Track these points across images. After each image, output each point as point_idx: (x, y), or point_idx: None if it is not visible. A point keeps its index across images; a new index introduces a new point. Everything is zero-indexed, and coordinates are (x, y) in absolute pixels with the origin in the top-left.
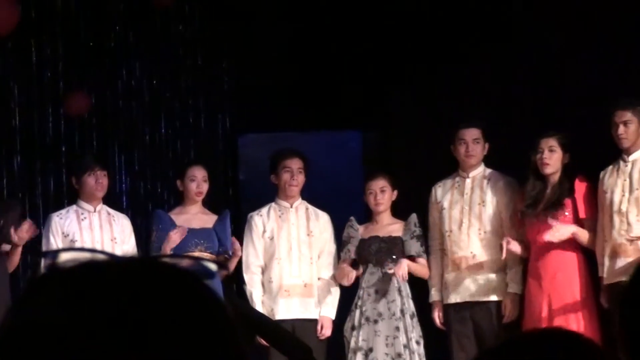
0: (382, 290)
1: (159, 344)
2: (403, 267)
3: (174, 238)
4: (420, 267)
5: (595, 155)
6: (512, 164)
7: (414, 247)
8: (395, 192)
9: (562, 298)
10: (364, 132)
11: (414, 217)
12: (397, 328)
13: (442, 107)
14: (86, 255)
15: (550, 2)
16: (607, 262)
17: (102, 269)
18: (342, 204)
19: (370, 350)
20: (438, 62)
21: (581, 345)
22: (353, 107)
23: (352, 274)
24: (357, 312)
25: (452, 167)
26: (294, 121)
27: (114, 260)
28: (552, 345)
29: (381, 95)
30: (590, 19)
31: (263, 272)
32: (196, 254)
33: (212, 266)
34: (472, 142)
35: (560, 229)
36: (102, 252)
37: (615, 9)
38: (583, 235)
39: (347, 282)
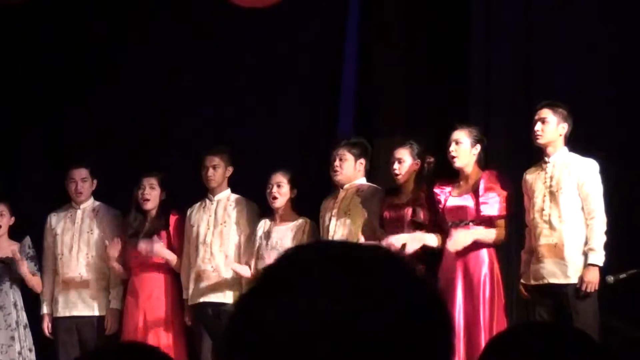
0: None
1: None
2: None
3: None
4: (36, 282)
5: (185, 192)
6: (120, 198)
7: (29, 266)
8: (13, 218)
9: (155, 314)
10: None
11: (27, 240)
12: (12, 337)
13: (58, 146)
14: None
15: None
16: (191, 285)
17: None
18: None
19: None
20: (56, 104)
21: (156, 358)
22: None
23: None
24: None
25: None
26: None
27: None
28: (131, 357)
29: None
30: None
31: None
32: None
33: None
34: (81, 181)
35: (155, 249)
36: None
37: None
38: (173, 258)
39: None
